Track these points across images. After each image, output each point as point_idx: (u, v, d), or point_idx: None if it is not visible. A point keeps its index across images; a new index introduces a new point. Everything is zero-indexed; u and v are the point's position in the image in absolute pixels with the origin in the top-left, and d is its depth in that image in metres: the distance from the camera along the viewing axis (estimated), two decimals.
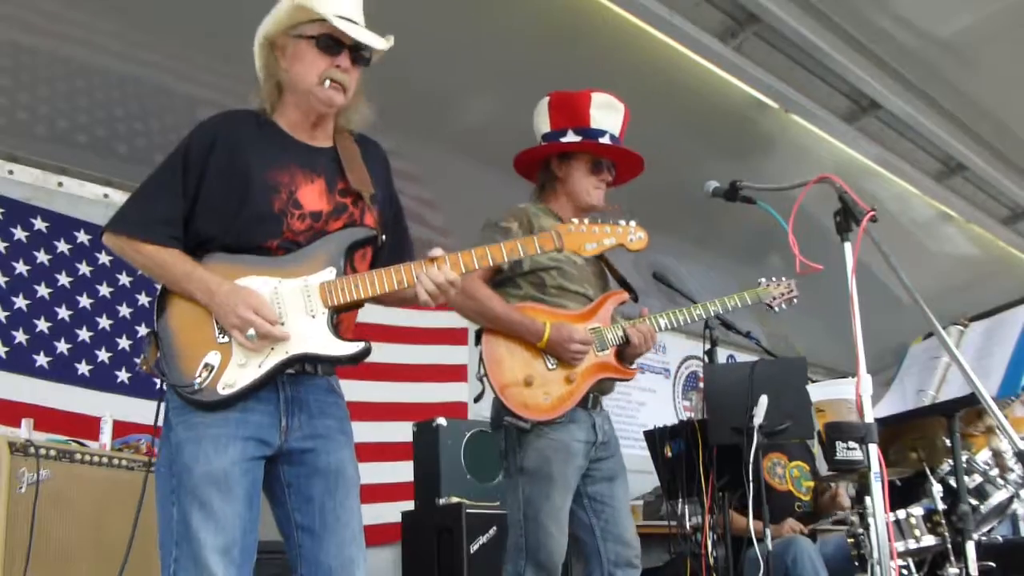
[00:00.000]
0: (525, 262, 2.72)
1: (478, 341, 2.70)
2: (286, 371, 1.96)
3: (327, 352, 1.97)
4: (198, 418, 1.89)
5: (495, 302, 2.65)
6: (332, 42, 2.02)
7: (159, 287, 1.99)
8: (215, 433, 1.87)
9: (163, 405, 1.98)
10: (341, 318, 2.01)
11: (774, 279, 3.12)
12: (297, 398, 1.98)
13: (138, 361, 4.06)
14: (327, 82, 2.02)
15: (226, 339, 1.92)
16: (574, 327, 2.65)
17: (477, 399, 2.78)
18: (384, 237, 2.11)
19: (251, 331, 1.88)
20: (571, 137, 2.82)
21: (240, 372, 1.90)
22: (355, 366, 2.01)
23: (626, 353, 2.76)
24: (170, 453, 1.90)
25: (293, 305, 1.95)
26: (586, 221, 2.19)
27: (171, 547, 1.86)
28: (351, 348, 1.98)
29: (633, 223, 2.28)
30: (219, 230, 1.97)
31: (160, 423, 1.97)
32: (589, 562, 2.70)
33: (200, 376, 1.89)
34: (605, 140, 2.81)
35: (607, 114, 2.84)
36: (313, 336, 1.95)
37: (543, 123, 2.89)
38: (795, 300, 3.09)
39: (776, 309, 3.10)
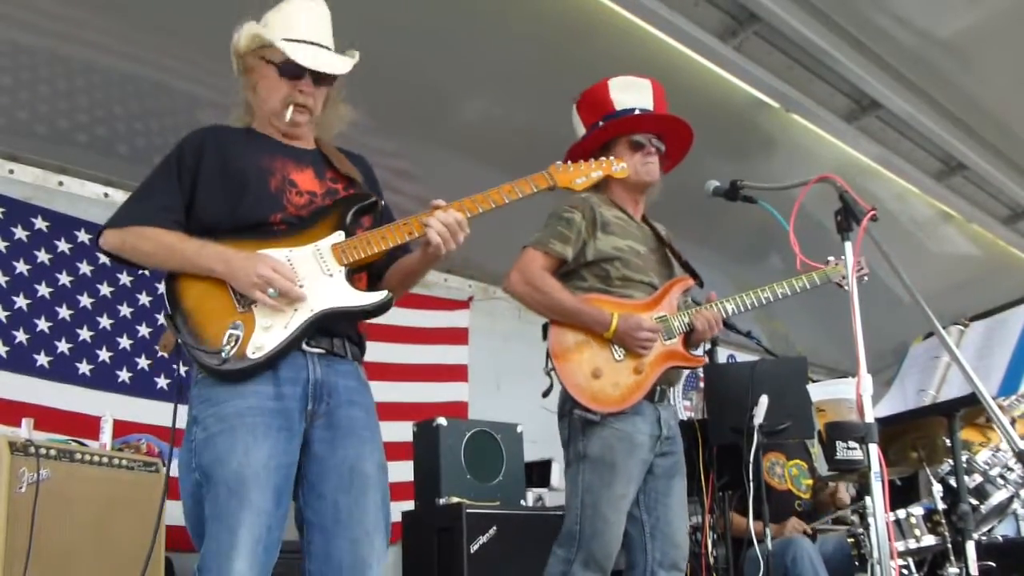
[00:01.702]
0: (588, 252, 2.72)
1: (545, 335, 2.69)
2: (316, 350, 1.97)
3: (351, 304, 1.97)
4: (231, 408, 1.86)
5: (563, 293, 2.65)
6: (294, 67, 2.05)
7: (163, 280, 1.98)
8: (251, 423, 1.85)
9: (179, 407, 1.95)
10: (355, 278, 2.03)
11: (843, 257, 3.08)
12: (327, 382, 1.97)
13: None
14: (290, 108, 2.07)
15: (245, 308, 1.91)
16: (641, 316, 2.64)
17: (545, 394, 2.72)
18: (383, 203, 2.15)
19: (271, 289, 1.88)
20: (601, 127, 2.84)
21: (267, 335, 1.89)
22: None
23: (691, 340, 2.75)
24: (196, 448, 1.87)
25: (308, 269, 1.96)
26: (569, 162, 2.23)
27: (198, 543, 1.85)
28: (374, 297, 1.99)
29: (612, 157, 2.32)
30: (221, 219, 1.99)
31: (178, 424, 1.94)
32: (632, 555, 2.67)
33: (228, 345, 1.87)
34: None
35: (630, 93, 2.85)
36: (334, 292, 1.96)
37: (578, 127, 2.91)
38: (866, 277, 3.00)
39: (845, 287, 3.06)
